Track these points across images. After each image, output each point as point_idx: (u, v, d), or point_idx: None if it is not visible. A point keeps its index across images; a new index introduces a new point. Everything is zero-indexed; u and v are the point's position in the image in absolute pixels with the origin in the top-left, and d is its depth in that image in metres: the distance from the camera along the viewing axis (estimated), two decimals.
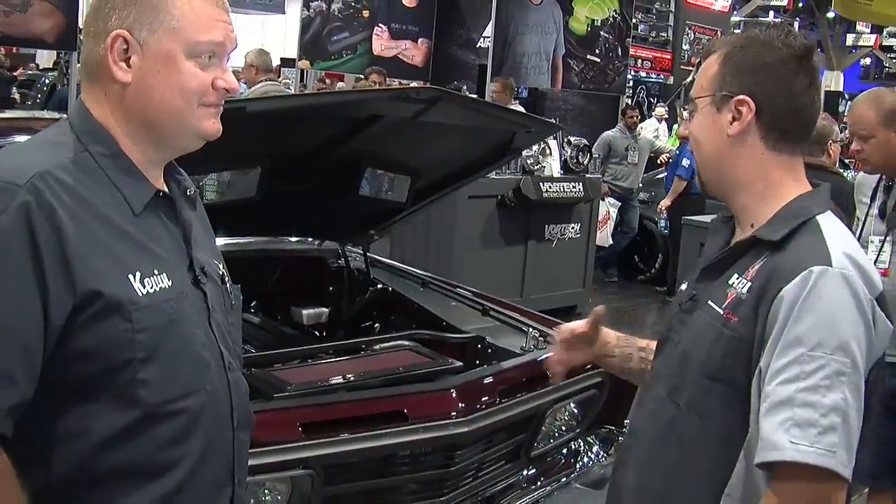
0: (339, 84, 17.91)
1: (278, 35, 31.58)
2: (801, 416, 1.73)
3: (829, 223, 1.94)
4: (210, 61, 1.83)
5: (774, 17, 25.37)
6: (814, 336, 1.75)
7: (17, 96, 13.55)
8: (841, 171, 6.22)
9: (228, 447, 1.96)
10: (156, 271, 1.79)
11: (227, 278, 2.07)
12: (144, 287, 1.76)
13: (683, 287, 2.18)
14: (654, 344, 2.37)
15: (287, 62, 23.43)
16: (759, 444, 1.77)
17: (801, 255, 1.84)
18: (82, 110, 1.85)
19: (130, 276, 1.74)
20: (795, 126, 2.00)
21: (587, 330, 2.41)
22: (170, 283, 1.81)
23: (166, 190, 1.92)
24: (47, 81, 14.24)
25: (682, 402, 1.98)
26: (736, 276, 1.95)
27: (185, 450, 1.84)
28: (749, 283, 1.90)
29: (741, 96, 1.95)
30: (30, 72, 16.86)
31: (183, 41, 1.79)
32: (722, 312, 1.93)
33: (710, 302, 1.98)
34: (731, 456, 1.89)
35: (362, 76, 12.39)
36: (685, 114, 2.09)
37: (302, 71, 16.52)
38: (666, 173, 11.36)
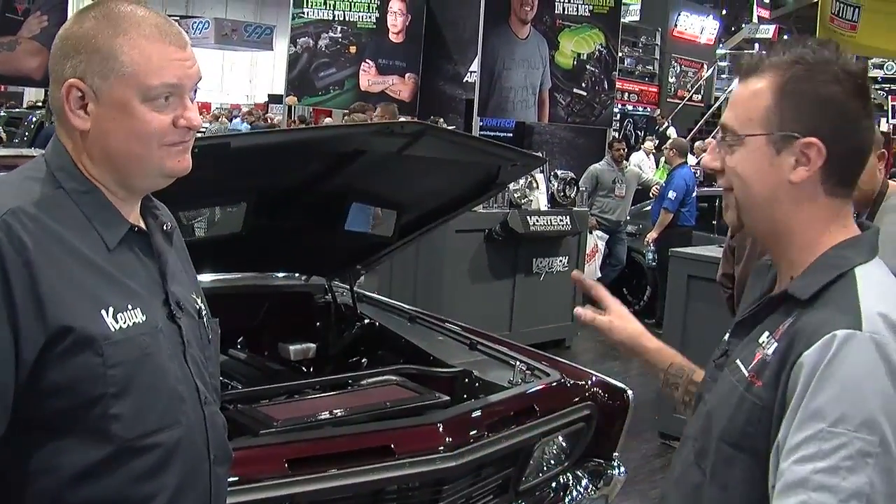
0: (327, 119, 18.00)
1: (266, 71, 31.74)
2: (816, 502, 1.51)
3: (869, 275, 1.71)
4: (168, 101, 1.81)
5: (760, 49, 25.53)
6: (835, 410, 1.54)
7: (3, 135, 13.54)
8: None
9: (205, 481, 1.95)
10: (129, 306, 1.79)
11: (204, 312, 2.06)
12: (117, 322, 1.75)
13: (726, 337, 1.96)
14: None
15: (275, 98, 23.56)
16: None
17: (826, 316, 1.63)
18: (58, 147, 1.86)
19: (103, 311, 1.74)
20: (857, 167, 1.79)
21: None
22: (143, 318, 1.81)
23: (142, 225, 1.92)
24: (34, 119, 14.23)
25: (707, 469, 1.79)
26: (766, 334, 1.74)
27: (160, 484, 1.83)
28: (776, 344, 1.69)
29: (809, 139, 1.70)
30: (16, 109, 16.86)
31: (135, 87, 1.77)
32: (747, 374, 1.73)
33: (737, 361, 1.79)
34: None
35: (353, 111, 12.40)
36: (716, 144, 1.85)
37: (289, 107, 16.59)
38: (652, 206, 11.40)
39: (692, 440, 1.88)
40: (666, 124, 18.14)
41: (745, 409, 1.70)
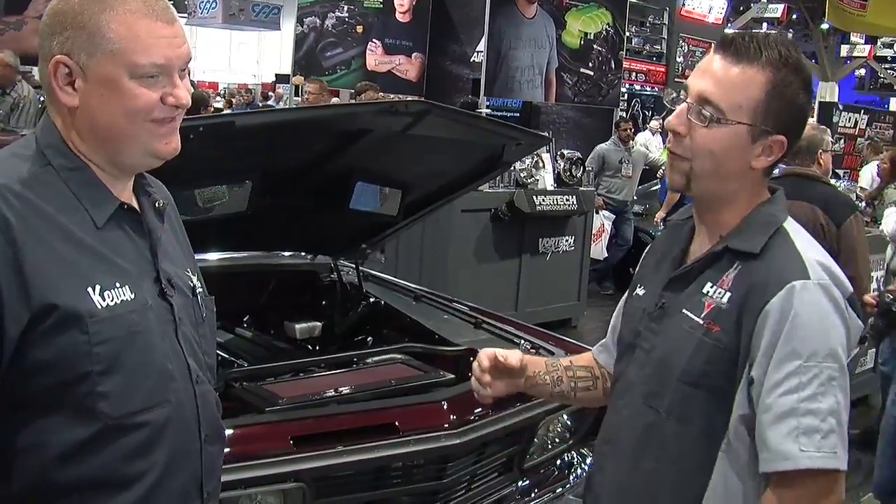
0: (334, 100, 17.94)
1: (274, 51, 31.65)
2: (806, 425, 1.82)
3: (795, 230, 2.00)
4: (157, 79, 1.79)
5: (768, 28, 25.41)
6: (807, 348, 1.84)
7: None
8: (831, 180, 6.23)
9: (196, 460, 1.93)
10: (118, 284, 1.78)
11: (198, 290, 2.05)
12: (105, 300, 1.74)
13: (641, 292, 2.19)
14: (578, 360, 2.45)
15: (282, 78, 23.51)
16: (767, 454, 1.85)
17: (780, 268, 1.90)
18: (47, 124, 1.84)
19: (89, 289, 1.73)
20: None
21: (514, 365, 2.32)
22: (132, 296, 1.79)
23: (133, 203, 1.91)
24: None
25: (662, 408, 2.02)
26: (710, 284, 1.99)
27: (149, 462, 1.82)
28: (728, 293, 1.95)
29: (780, 137, 1.96)
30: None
31: (123, 64, 1.76)
32: (702, 322, 1.97)
33: (685, 311, 2.01)
34: (710, 460, 1.95)
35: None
36: (687, 110, 1.97)
37: (297, 86, 16.55)
38: (659, 185, 11.38)
39: (638, 385, 2.10)
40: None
41: (704, 352, 1.95)
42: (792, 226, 2.01)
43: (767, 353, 1.86)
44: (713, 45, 2.02)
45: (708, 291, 1.98)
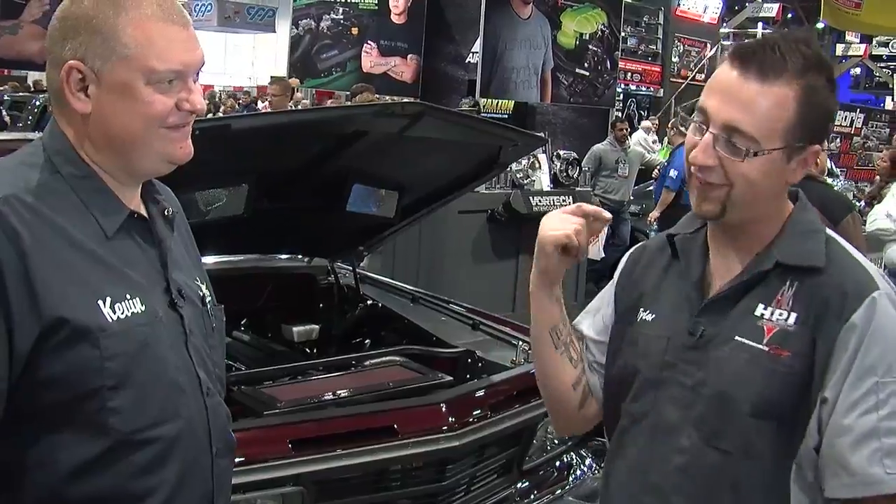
0: (329, 102, 17.95)
1: (269, 53, 31.63)
2: (889, 446, 1.72)
3: (839, 238, 1.89)
4: (172, 84, 1.75)
5: (763, 28, 25.43)
6: (883, 363, 1.73)
7: (7, 118, 13.51)
8: (828, 179, 6.23)
9: (207, 475, 1.89)
10: (128, 295, 1.74)
11: (208, 299, 2.00)
12: (115, 312, 1.70)
13: (650, 317, 1.99)
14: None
15: (277, 81, 23.53)
16: (848, 479, 1.74)
17: (853, 280, 1.78)
18: (54, 131, 1.80)
19: (100, 302, 1.69)
20: None
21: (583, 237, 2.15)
22: (143, 308, 1.75)
23: (141, 211, 1.87)
24: (38, 103, 14.19)
25: (733, 447, 1.83)
26: (762, 305, 1.82)
27: (160, 478, 1.78)
28: (793, 314, 1.79)
29: (816, 147, 1.83)
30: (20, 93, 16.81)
31: (138, 69, 1.71)
32: (766, 349, 1.80)
33: (739, 338, 1.83)
34: (781, 489, 1.82)
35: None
36: (713, 141, 1.79)
37: (292, 89, 16.54)
38: (655, 185, 11.39)
39: (689, 427, 1.87)
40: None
41: (777, 381, 1.78)
42: (833, 233, 1.89)
43: (845, 370, 1.73)
44: (727, 58, 1.82)
45: (763, 314, 1.82)
